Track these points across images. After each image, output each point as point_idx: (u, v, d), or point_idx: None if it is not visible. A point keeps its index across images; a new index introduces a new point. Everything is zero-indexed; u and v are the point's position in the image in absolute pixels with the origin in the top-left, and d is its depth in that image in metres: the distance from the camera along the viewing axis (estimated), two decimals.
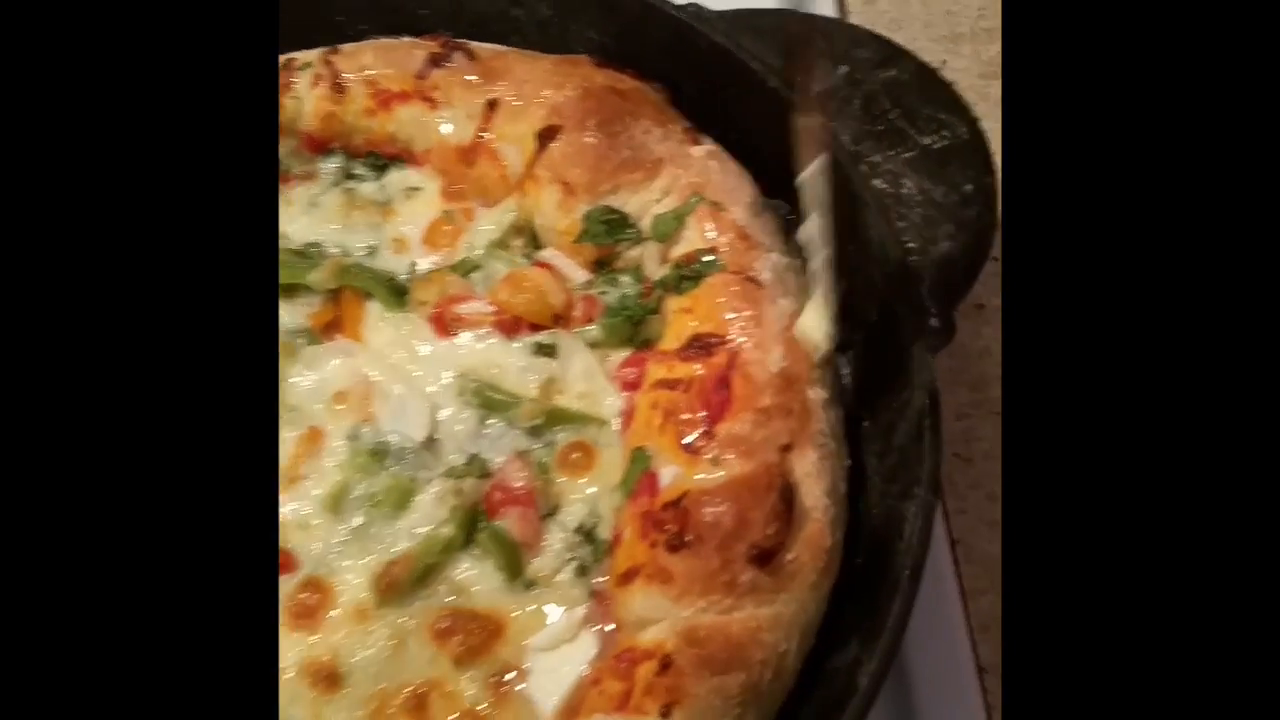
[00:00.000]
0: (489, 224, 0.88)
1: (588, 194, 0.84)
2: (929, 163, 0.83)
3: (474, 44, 0.93)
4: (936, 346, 0.76)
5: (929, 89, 0.86)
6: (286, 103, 0.92)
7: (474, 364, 0.82)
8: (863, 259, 0.82)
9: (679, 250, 0.83)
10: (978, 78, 1.06)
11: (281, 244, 0.88)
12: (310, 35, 0.98)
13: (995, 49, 1.08)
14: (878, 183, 0.82)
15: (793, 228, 0.87)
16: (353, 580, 0.73)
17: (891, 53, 0.88)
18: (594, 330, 0.82)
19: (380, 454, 0.78)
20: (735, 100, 0.90)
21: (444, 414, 0.80)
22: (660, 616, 0.69)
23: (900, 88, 0.86)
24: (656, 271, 0.84)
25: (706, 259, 0.81)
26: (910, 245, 0.79)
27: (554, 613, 0.73)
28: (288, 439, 0.79)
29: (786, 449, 0.72)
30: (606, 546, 0.75)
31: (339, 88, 0.92)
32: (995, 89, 1.06)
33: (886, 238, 0.79)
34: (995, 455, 0.93)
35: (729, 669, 0.66)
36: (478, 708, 0.70)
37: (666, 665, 0.66)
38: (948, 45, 1.08)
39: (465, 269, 0.86)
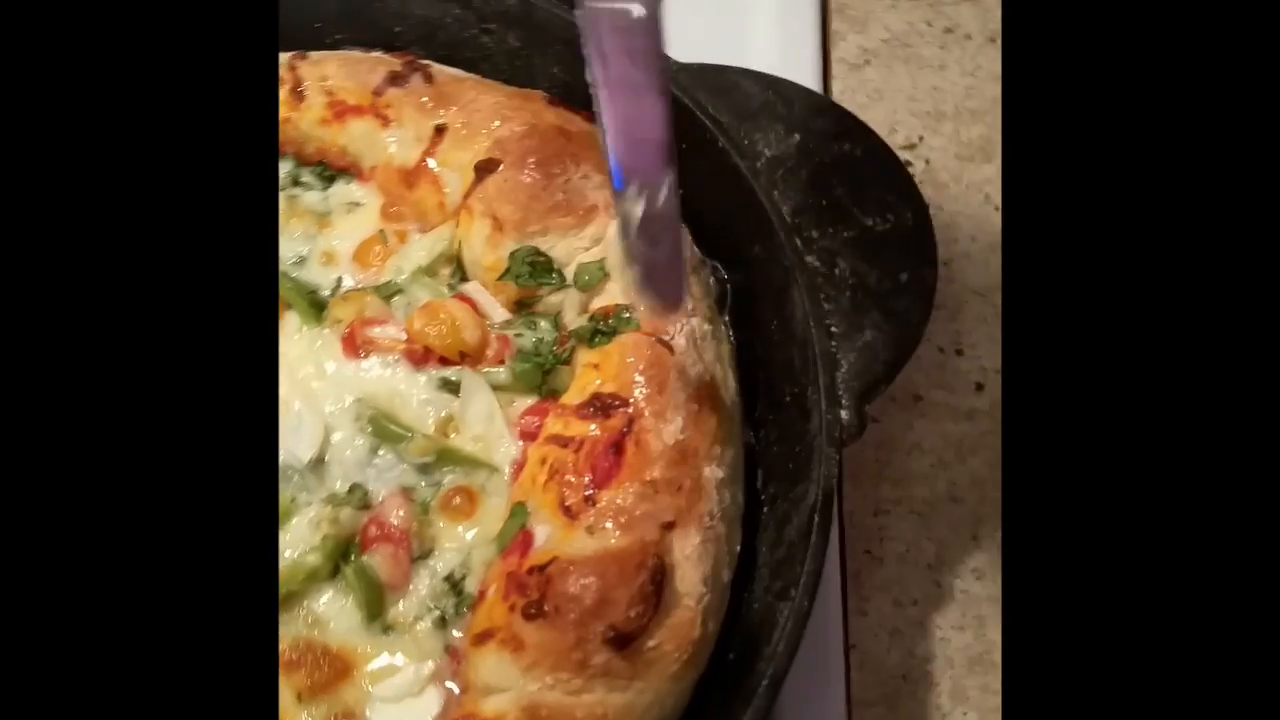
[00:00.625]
0: (420, 250, 0.86)
1: (516, 232, 0.82)
2: (868, 246, 0.80)
3: (436, 67, 0.92)
4: (844, 441, 0.73)
5: (882, 168, 0.83)
6: None
7: (376, 390, 0.80)
8: (784, 335, 0.79)
9: (599, 302, 0.81)
10: (954, 158, 1.03)
11: None
12: (285, 38, 0.97)
13: (977, 130, 1.05)
14: (811, 259, 0.79)
15: (724, 290, 0.85)
16: None
17: (850, 126, 0.85)
18: (502, 373, 0.80)
19: None
20: (684, 155, 0.87)
21: (336, 436, 0.78)
22: (507, 686, 0.67)
23: (851, 162, 0.83)
24: (575, 320, 0.81)
25: (624, 315, 0.78)
26: (834, 329, 0.76)
27: (405, 663, 0.71)
28: None
29: (669, 526, 0.70)
30: (471, 601, 0.72)
31: (299, 95, 0.91)
32: (970, 171, 1.03)
33: (810, 317, 0.76)
34: (909, 559, 0.89)
35: None
36: None
37: None
38: (928, 122, 1.05)
39: (388, 292, 0.84)
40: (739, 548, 0.74)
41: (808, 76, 1.10)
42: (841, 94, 1.16)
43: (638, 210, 0.66)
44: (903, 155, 0.93)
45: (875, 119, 0.84)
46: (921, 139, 1.04)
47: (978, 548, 0.87)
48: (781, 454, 0.78)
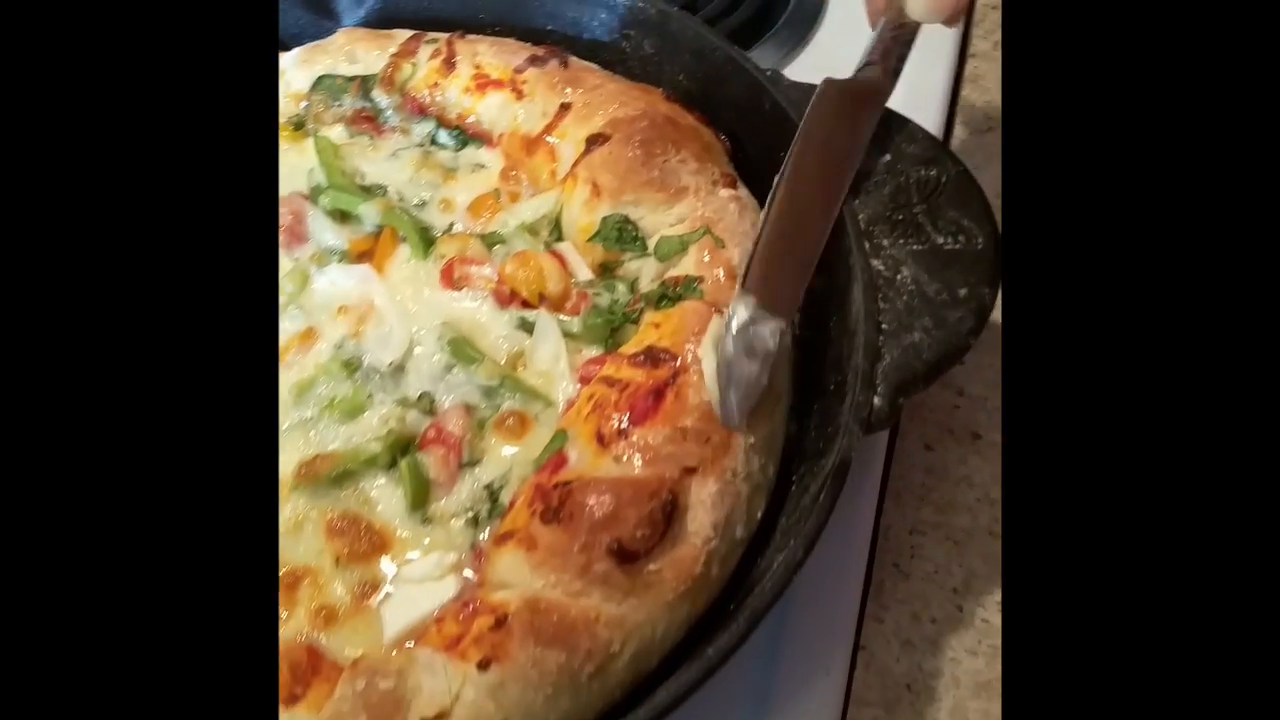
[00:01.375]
0: (528, 209, 0.96)
1: (611, 199, 0.91)
2: (934, 260, 0.84)
3: (572, 58, 1.02)
4: (872, 426, 0.77)
5: (963, 195, 0.87)
6: (403, 66, 1.04)
7: (461, 318, 0.89)
8: (840, 330, 0.84)
9: (673, 272, 0.87)
10: None
11: (355, 179, 0.99)
12: (451, 24, 1.10)
13: None
14: (877, 263, 0.84)
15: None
16: (283, 459, 0.81)
17: (939, 154, 0.90)
18: (575, 323, 0.88)
19: (352, 366, 0.86)
20: (780, 163, 0.94)
21: (419, 350, 0.87)
22: (517, 582, 0.72)
23: (934, 186, 0.88)
24: (649, 288, 0.88)
25: (692, 285, 0.85)
26: (884, 325, 0.80)
27: (433, 552, 0.78)
28: (288, 329, 0.89)
29: (690, 471, 0.75)
30: (503, 509, 0.79)
31: (450, 64, 1.03)
32: None
33: (864, 313, 0.80)
34: (935, 579, 0.90)
35: (552, 645, 0.68)
36: (337, 605, 0.75)
37: (500, 623, 0.69)
38: None
39: (491, 240, 0.93)
40: (760, 515, 0.78)
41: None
42: (958, 151, 1.20)
43: (766, 342, 0.76)
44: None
45: (984, 180, 0.88)
46: None
47: None
48: (815, 438, 0.82)
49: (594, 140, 0.93)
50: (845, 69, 0.94)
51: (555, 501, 0.73)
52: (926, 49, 1.29)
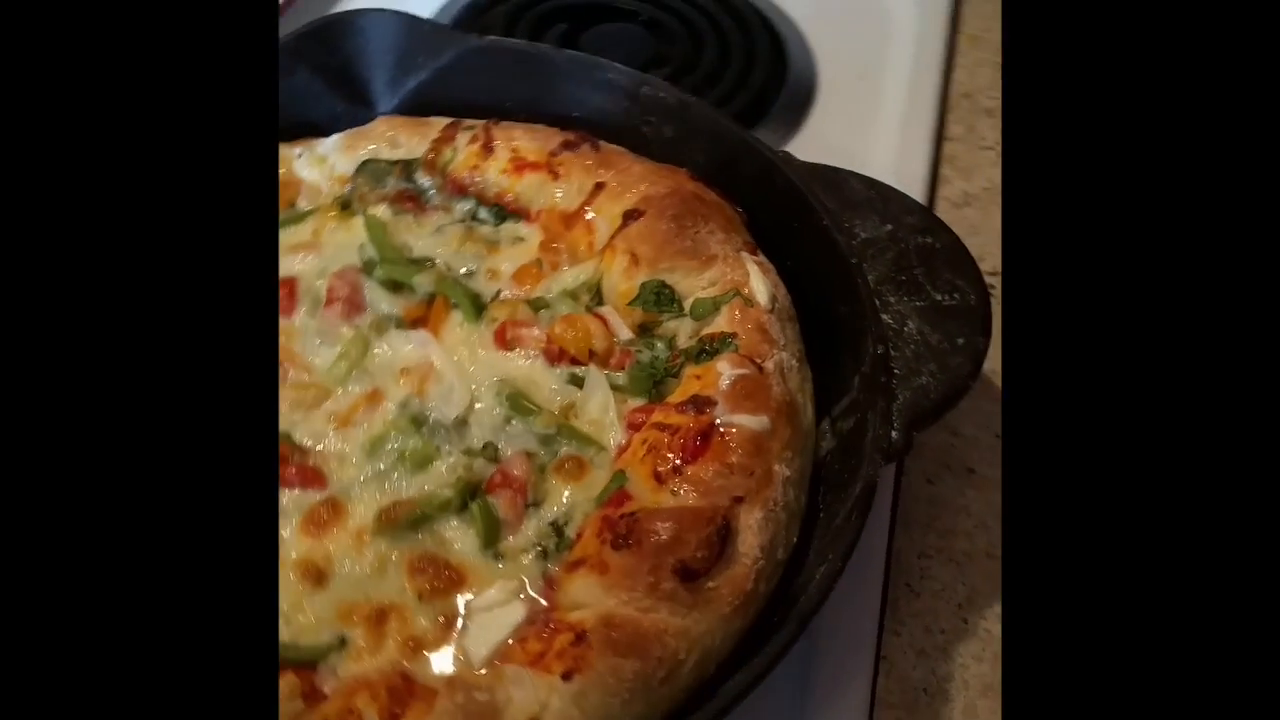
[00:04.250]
0: (569, 276, 1.06)
1: (649, 267, 1.02)
2: (934, 314, 0.96)
3: (601, 142, 1.14)
4: (890, 456, 0.88)
5: (956, 259, 1.00)
6: (444, 150, 1.15)
7: (516, 375, 0.98)
8: (855, 375, 0.95)
9: (708, 330, 0.98)
10: None
11: (404, 253, 1.08)
12: (481, 112, 1.22)
13: None
14: (886, 318, 0.96)
15: (811, 347, 1.01)
16: (363, 509, 0.89)
17: (933, 224, 1.03)
18: (620, 377, 0.98)
19: (419, 422, 0.94)
20: (795, 233, 1.06)
21: (479, 405, 0.96)
22: (591, 602, 0.81)
23: (931, 252, 1.00)
24: (686, 344, 0.99)
25: (727, 341, 0.96)
26: (896, 371, 0.92)
27: (509, 583, 0.86)
28: (355, 391, 0.97)
29: (738, 500, 0.84)
30: (569, 543, 0.87)
31: (489, 149, 1.14)
32: None
33: (877, 360, 0.92)
34: (943, 596, 1.00)
35: (628, 655, 0.77)
36: (422, 636, 0.82)
37: (580, 638, 0.78)
38: None
39: (537, 305, 1.03)
40: (795, 539, 0.88)
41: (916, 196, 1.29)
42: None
43: None
44: (989, 279, 1.07)
45: (970, 245, 1.01)
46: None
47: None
48: (839, 470, 0.92)
49: (630, 215, 1.04)
50: (838, 149, 1.07)
51: (624, 530, 0.82)
52: (910, 138, 1.46)
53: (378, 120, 1.19)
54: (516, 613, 0.83)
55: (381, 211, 1.13)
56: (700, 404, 0.90)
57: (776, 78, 1.54)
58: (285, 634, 0.81)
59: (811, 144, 1.43)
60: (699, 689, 0.80)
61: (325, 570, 0.85)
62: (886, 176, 1.09)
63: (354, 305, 1.03)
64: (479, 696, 0.75)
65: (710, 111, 1.16)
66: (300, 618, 0.82)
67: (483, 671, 0.79)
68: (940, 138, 1.50)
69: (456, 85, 1.23)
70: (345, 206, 1.14)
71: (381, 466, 0.92)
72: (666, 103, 1.17)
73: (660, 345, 1.00)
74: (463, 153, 1.15)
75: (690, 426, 0.89)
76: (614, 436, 0.94)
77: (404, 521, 0.87)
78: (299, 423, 0.94)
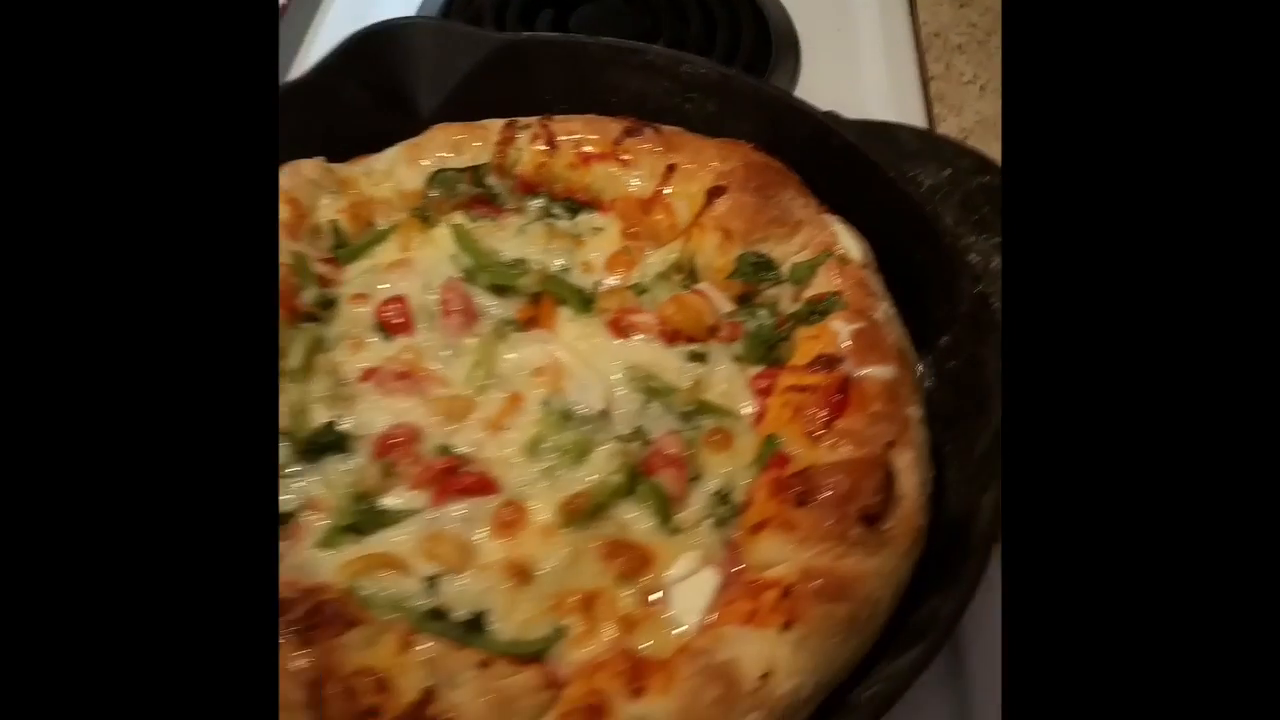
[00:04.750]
0: (657, 259, 1.12)
1: (742, 241, 1.08)
2: None
3: (657, 124, 1.19)
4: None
5: None
6: (509, 152, 1.18)
7: (641, 360, 1.04)
8: (952, 318, 1.04)
9: (810, 292, 1.05)
10: None
11: (495, 257, 1.12)
12: (525, 108, 1.25)
13: None
14: (972, 257, 1.05)
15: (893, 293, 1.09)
16: (541, 507, 0.94)
17: (987, 164, 1.12)
18: (737, 347, 1.05)
19: (568, 417, 0.99)
20: (856, 190, 1.14)
21: (618, 393, 1.01)
22: (783, 559, 0.89)
23: (992, 190, 1.10)
24: (789, 307, 1.06)
25: (833, 300, 1.03)
26: (995, 306, 1.01)
27: (693, 553, 0.93)
28: (496, 399, 1.01)
29: (890, 445, 0.93)
30: (738, 508, 0.94)
31: (553, 145, 1.18)
32: None
33: (975, 300, 1.01)
34: None
35: (837, 600, 0.85)
36: (632, 614, 0.89)
37: (787, 592, 0.86)
38: None
39: (638, 291, 1.09)
40: (934, 473, 0.98)
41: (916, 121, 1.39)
42: None
43: None
44: None
45: None
46: None
47: None
48: (952, 406, 1.01)
49: (713, 193, 1.10)
50: (837, 102, 1.16)
51: (802, 488, 0.90)
52: (900, 82, 1.54)
53: (433, 130, 1.21)
54: (711, 579, 0.91)
55: (460, 220, 1.15)
56: (829, 362, 0.98)
57: (764, 42, 1.60)
58: (508, 632, 0.87)
59: (811, 100, 1.49)
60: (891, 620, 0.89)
61: (527, 568, 0.90)
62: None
63: (469, 314, 1.07)
64: (719, 657, 0.82)
65: (753, 82, 1.22)
66: (517, 615, 0.88)
67: (703, 637, 0.86)
68: (925, 78, 1.59)
69: (495, 84, 1.25)
70: (424, 219, 1.16)
71: (545, 464, 0.96)
72: (708, 78, 1.22)
73: (763, 313, 1.07)
74: (527, 152, 1.18)
75: (826, 384, 0.96)
76: (745, 404, 1.02)
77: (585, 511, 0.93)
78: (454, 434, 0.98)
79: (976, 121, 1.52)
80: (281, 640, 0.78)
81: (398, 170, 1.18)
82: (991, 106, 1.51)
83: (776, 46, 1.60)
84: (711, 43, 1.57)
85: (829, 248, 1.07)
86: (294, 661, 0.77)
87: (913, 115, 1.49)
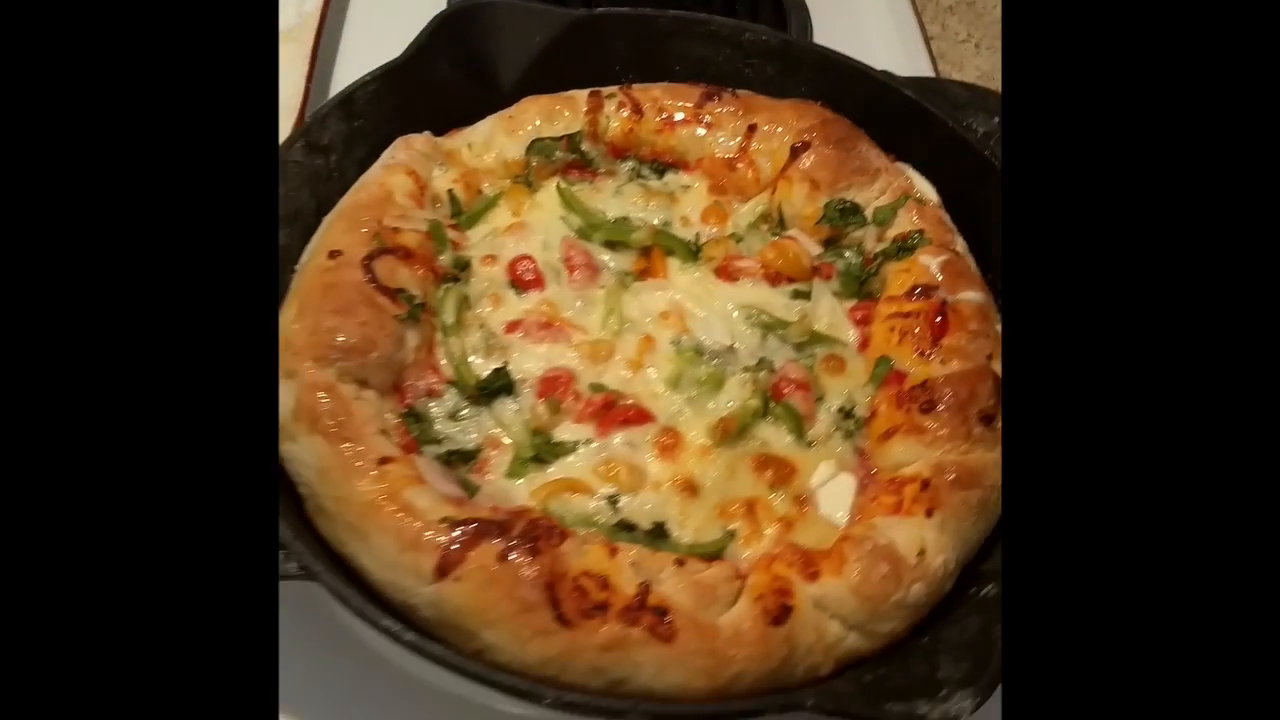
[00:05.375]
0: (746, 211, 1.24)
1: (829, 189, 1.21)
2: None
3: (732, 89, 1.30)
4: None
5: None
6: (599, 119, 1.28)
7: (752, 301, 1.16)
8: None
9: (894, 231, 1.19)
10: None
11: (601, 217, 1.22)
12: (595, 77, 1.34)
13: None
14: None
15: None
16: (693, 430, 1.05)
17: None
18: (834, 284, 1.18)
19: (700, 353, 1.10)
20: (917, 139, 1.28)
21: (739, 329, 1.13)
22: (914, 459, 1.02)
23: None
24: (875, 247, 1.20)
25: (917, 237, 1.17)
26: None
27: (826, 462, 1.06)
28: (631, 341, 1.11)
29: (990, 357, 1.08)
30: (862, 421, 1.08)
31: (639, 111, 1.28)
32: None
33: None
34: None
35: (970, 487, 0.99)
36: (789, 516, 1.01)
37: (926, 485, 0.99)
38: None
39: (736, 239, 1.21)
40: None
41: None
42: None
43: None
44: None
45: None
46: None
47: None
48: None
49: (798, 149, 1.22)
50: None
51: (926, 398, 1.03)
52: (906, 42, 1.68)
53: (524, 102, 1.29)
54: (849, 482, 1.04)
55: (560, 184, 1.24)
56: (925, 290, 1.12)
57: (778, 10, 1.72)
58: (686, 538, 0.98)
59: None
60: None
61: (694, 482, 1.01)
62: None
63: (591, 269, 1.16)
64: (876, 543, 0.95)
65: (813, 46, 1.34)
66: (691, 523, 0.99)
67: (857, 527, 0.99)
68: (926, 38, 1.74)
69: (567, 56, 1.34)
70: (528, 185, 1.24)
71: (688, 394, 1.08)
72: (769, 44, 1.34)
73: (850, 253, 1.21)
74: (615, 119, 1.28)
75: (927, 310, 1.10)
76: (848, 333, 1.15)
77: (733, 433, 1.05)
78: (602, 373, 1.08)
79: (978, 77, 1.68)
80: (512, 555, 0.88)
81: (497, 140, 1.26)
82: (989, 62, 1.67)
83: (790, 14, 1.72)
84: (732, 13, 1.69)
85: (906, 191, 1.21)
86: (528, 569, 0.87)
87: (923, 73, 1.64)
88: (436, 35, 1.26)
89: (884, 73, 1.31)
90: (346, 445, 0.93)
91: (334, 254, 1.04)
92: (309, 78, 1.43)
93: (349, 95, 1.18)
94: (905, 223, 1.19)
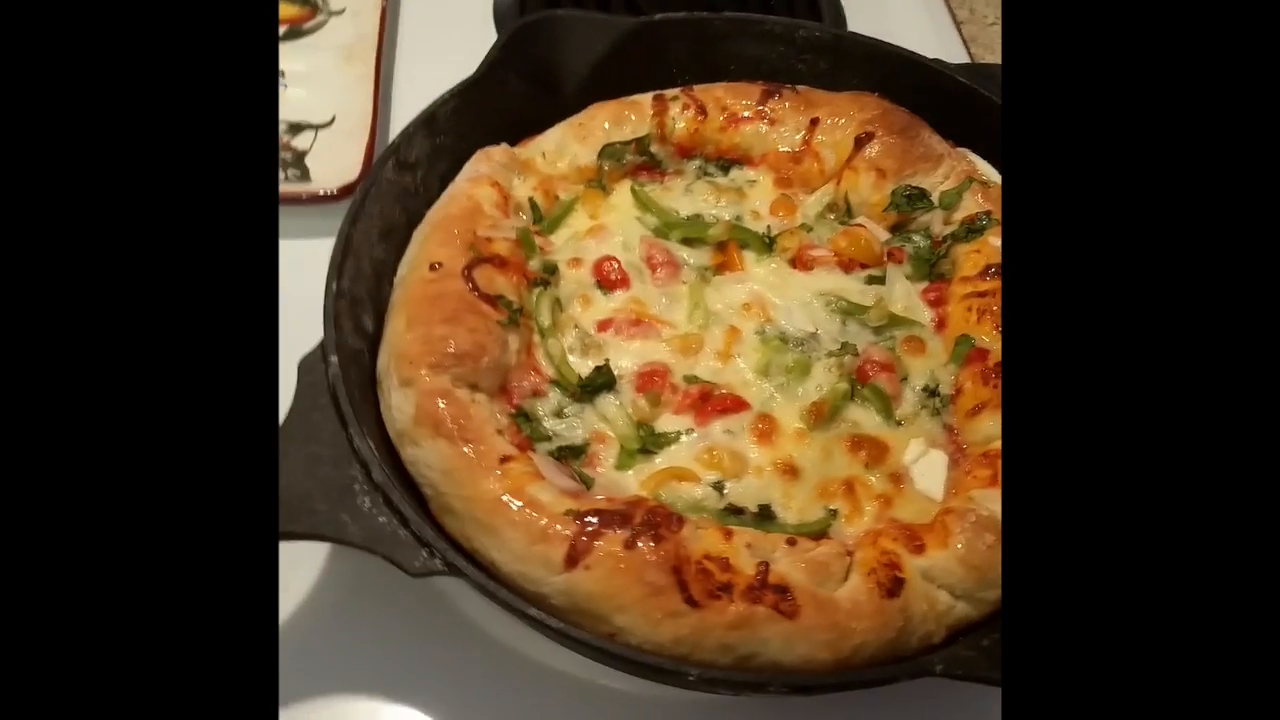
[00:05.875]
0: (814, 202, 1.28)
1: (895, 177, 1.25)
2: None
3: (791, 85, 1.35)
4: None
5: None
6: (665, 121, 1.32)
7: (829, 288, 1.20)
8: None
9: (960, 214, 1.23)
10: None
11: (675, 215, 1.26)
12: (652, 81, 1.38)
13: None
14: None
15: None
16: (787, 415, 1.09)
17: None
18: (905, 267, 1.22)
19: (784, 341, 1.15)
20: (971, 124, 1.32)
21: (819, 316, 1.18)
22: (1000, 434, 1.07)
23: None
24: (942, 230, 1.24)
25: (984, 218, 1.21)
26: None
27: (919, 440, 1.10)
28: (717, 333, 1.15)
29: None
30: (947, 399, 1.12)
31: (702, 111, 1.32)
32: None
33: None
34: None
35: None
36: (887, 494, 1.06)
37: None
38: None
39: (806, 229, 1.25)
40: None
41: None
42: None
43: None
44: None
45: None
46: None
47: None
48: None
49: (861, 139, 1.27)
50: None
51: None
52: (939, 28, 1.72)
53: (591, 109, 1.33)
54: (941, 458, 1.08)
55: (634, 186, 1.29)
56: (996, 268, 1.16)
57: (813, 4, 1.76)
58: (792, 519, 1.02)
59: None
60: None
61: (794, 465, 1.06)
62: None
63: (672, 265, 1.20)
64: (982, 513, 0.99)
65: (863, 38, 1.38)
66: (794, 504, 1.03)
67: (956, 500, 1.03)
68: (956, 22, 1.79)
69: (626, 62, 1.38)
70: (600, 189, 1.29)
71: (778, 381, 1.12)
72: (822, 40, 1.39)
73: (918, 237, 1.25)
74: (681, 120, 1.32)
75: (1000, 289, 1.15)
76: (923, 315, 1.19)
77: (825, 416, 1.09)
78: (694, 365, 1.12)
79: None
80: (638, 542, 0.92)
81: (569, 147, 1.30)
82: None
83: (823, 7, 1.77)
84: (769, 9, 1.73)
85: (970, 175, 1.25)
86: (654, 555, 0.91)
87: (958, 57, 1.68)
88: (508, 49, 1.30)
89: (936, 60, 1.35)
90: (469, 447, 0.97)
91: (435, 266, 1.08)
92: (375, 97, 1.47)
93: (431, 114, 1.21)
94: (972, 205, 1.23)
